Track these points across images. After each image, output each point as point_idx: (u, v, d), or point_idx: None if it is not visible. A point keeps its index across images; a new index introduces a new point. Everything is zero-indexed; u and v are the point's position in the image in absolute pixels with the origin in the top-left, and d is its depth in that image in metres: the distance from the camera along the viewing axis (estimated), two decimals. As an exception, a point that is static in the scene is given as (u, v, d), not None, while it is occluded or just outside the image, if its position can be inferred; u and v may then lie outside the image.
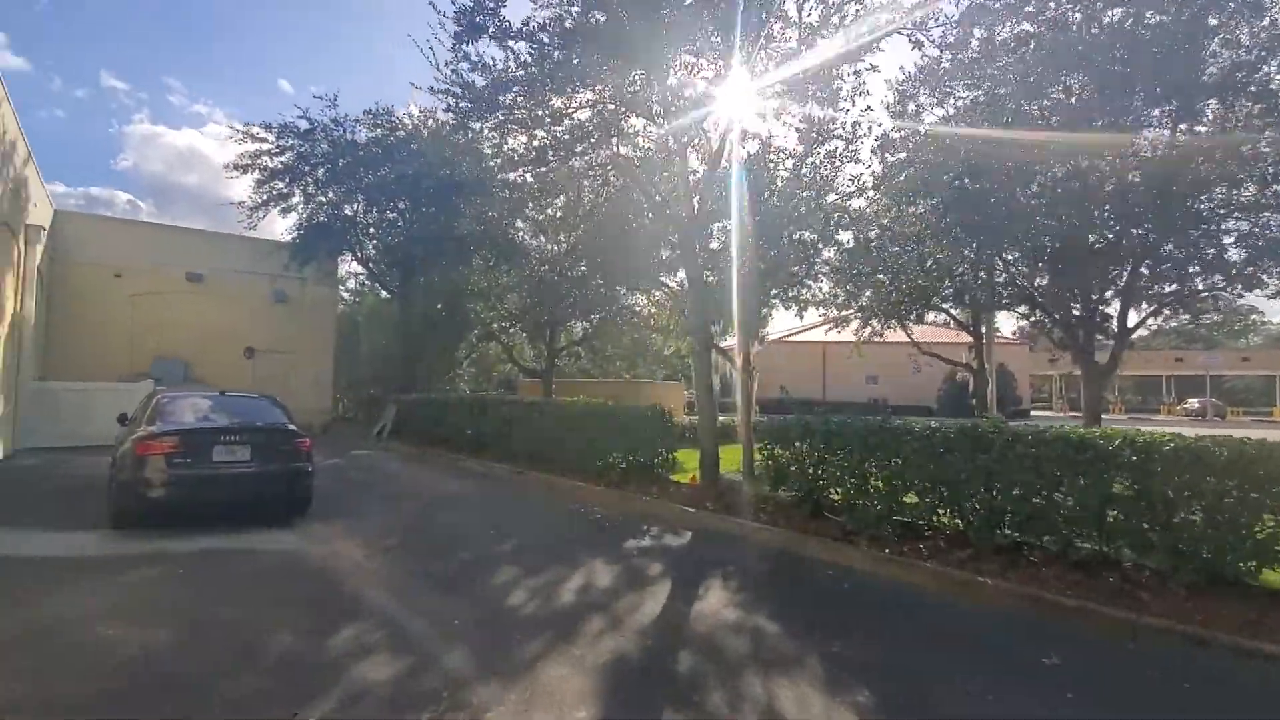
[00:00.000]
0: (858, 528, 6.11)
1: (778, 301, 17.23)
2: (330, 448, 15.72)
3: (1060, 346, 13.13)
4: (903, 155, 10.65)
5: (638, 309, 24.78)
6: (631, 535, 6.88)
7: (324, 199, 18.18)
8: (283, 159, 17.61)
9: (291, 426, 7.57)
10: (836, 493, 6.48)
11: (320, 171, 17.95)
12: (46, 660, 3.55)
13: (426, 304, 21.78)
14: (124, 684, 3.31)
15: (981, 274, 12.93)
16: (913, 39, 8.18)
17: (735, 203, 9.69)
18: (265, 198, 17.77)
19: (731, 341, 21.99)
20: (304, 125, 17.46)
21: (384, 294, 26.24)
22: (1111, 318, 11.74)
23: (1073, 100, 9.48)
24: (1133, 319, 11.54)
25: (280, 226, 23.45)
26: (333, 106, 17.75)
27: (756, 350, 18.48)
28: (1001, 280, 12.67)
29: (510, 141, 9.13)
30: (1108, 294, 11.58)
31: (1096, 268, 10.90)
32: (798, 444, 6.84)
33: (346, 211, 18.72)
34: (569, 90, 8.08)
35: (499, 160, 9.35)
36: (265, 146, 17.50)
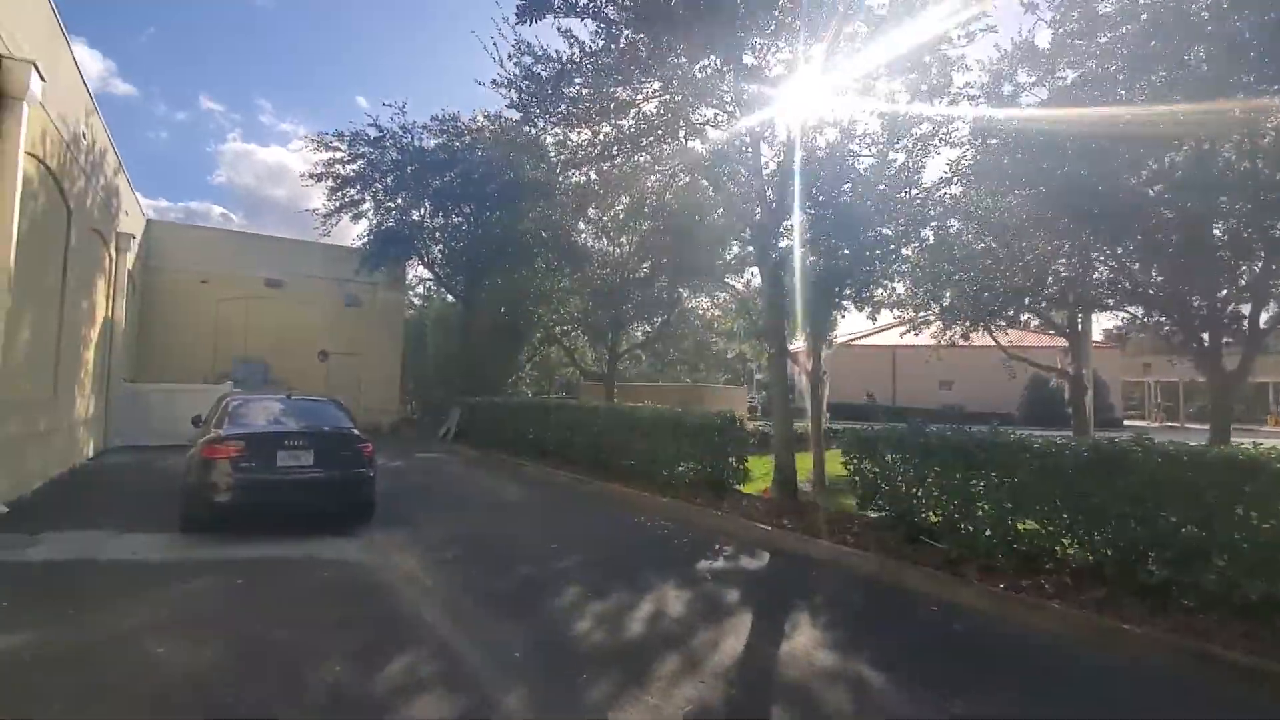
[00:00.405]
0: (964, 556, 5.38)
1: (849, 303, 16.37)
2: (396, 449, 15.87)
3: (1178, 351, 11.75)
4: (996, 141, 9.66)
5: (700, 311, 24.25)
6: (703, 555, 6.36)
7: (392, 205, 18.52)
8: (354, 166, 18.03)
9: (355, 431, 7.43)
10: (936, 514, 5.75)
11: (389, 178, 18.28)
12: (86, 682, 3.34)
13: (490, 308, 21.90)
14: (160, 717, 3.05)
15: (1093, 270, 11.71)
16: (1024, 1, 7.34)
17: (809, 197, 9.04)
18: (338, 205, 18.24)
19: (800, 345, 21.17)
20: (374, 133, 17.81)
21: (450, 298, 26.67)
22: (1242, 317, 10.39)
23: (1193, 74, 8.35)
24: (1263, 319, 10.16)
25: (352, 233, 24.20)
26: (401, 114, 18.15)
27: (825, 354, 17.60)
28: (1109, 277, 11.44)
29: (574, 137, 8.77)
30: (1234, 290, 10.24)
31: (1223, 262, 9.64)
32: (889, 457, 6.14)
33: (414, 217, 19.01)
34: (636, 79, 7.66)
35: (562, 158, 9.00)
36: (338, 155, 17.94)
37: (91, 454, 12.06)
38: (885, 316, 19.87)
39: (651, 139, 8.28)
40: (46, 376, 9.00)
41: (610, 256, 22.26)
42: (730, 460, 8.67)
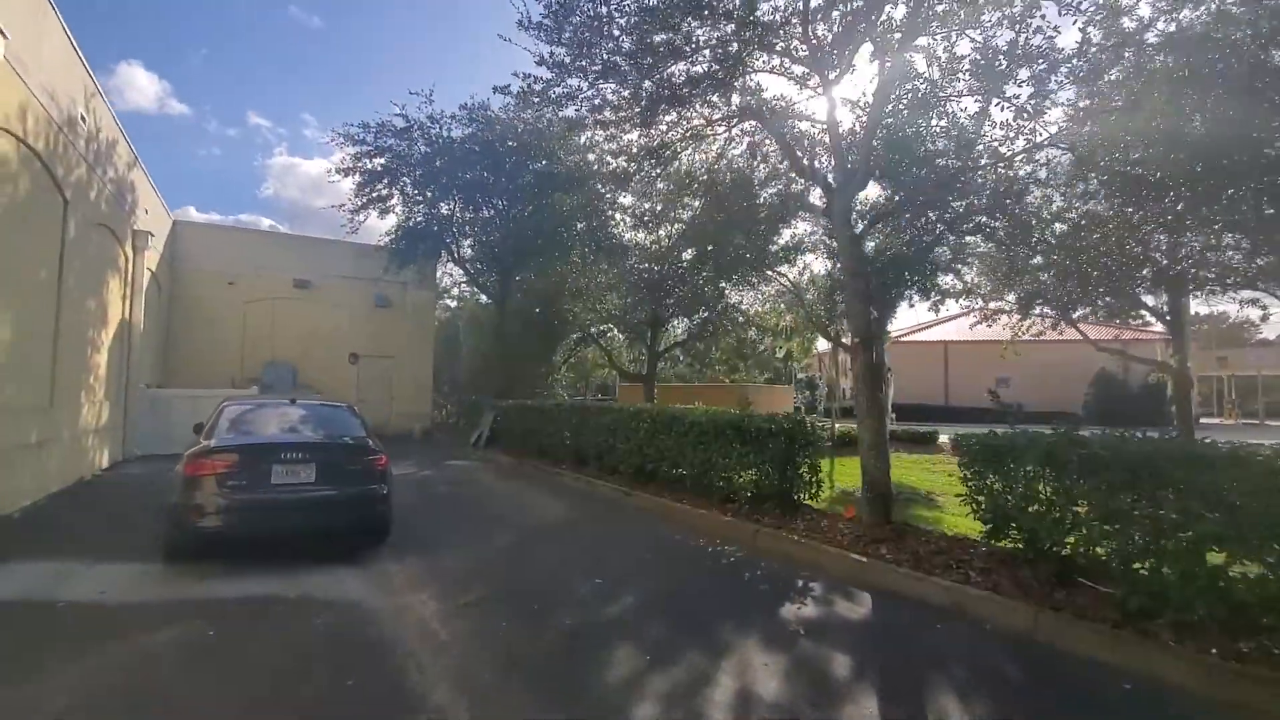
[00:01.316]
0: (1146, 608, 3.98)
1: (914, 291, 14.82)
2: (426, 456, 14.94)
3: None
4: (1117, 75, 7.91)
5: (745, 307, 22.85)
6: (786, 595, 5.08)
7: (421, 199, 17.64)
8: (381, 160, 17.19)
9: (367, 442, 6.37)
10: (1102, 548, 4.36)
11: (418, 171, 17.39)
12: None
13: (524, 306, 20.93)
14: None
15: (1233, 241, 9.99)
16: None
17: (895, 155, 7.67)
18: (365, 200, 17.43)
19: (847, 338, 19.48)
20: (400, 123, 16.94)
21: (483, 299, 25.84)
22: None
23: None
24: None
25: (380, 229, 23.54)
26: (429, 103, 17.14)
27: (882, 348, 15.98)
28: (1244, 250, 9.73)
29: (613, 99, 7.55)
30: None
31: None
32: (1026, 470, 4.76)
33: (443, 211, 18.11)
34: (687, 21, 6.42)
35: (598, 127, 7.79)
36: (365, 148, 17.13)
37: (105, 465, 11.37)
38: (946, 308, 18.23)
39: (705, 90, 7.01)
40: (39, 382, 8.20)
41: (649, 250, 21.11)
42: (802, 471, 7.36)
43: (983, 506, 5.10)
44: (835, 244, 13.86)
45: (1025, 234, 11.61)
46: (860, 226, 7.47)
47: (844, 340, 15.48)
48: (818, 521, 6.88)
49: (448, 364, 27.32)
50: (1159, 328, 15.36)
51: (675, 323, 23.63)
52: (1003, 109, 6.43)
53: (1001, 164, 6.95)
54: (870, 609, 4.76)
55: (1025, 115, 6.61)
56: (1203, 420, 38.37)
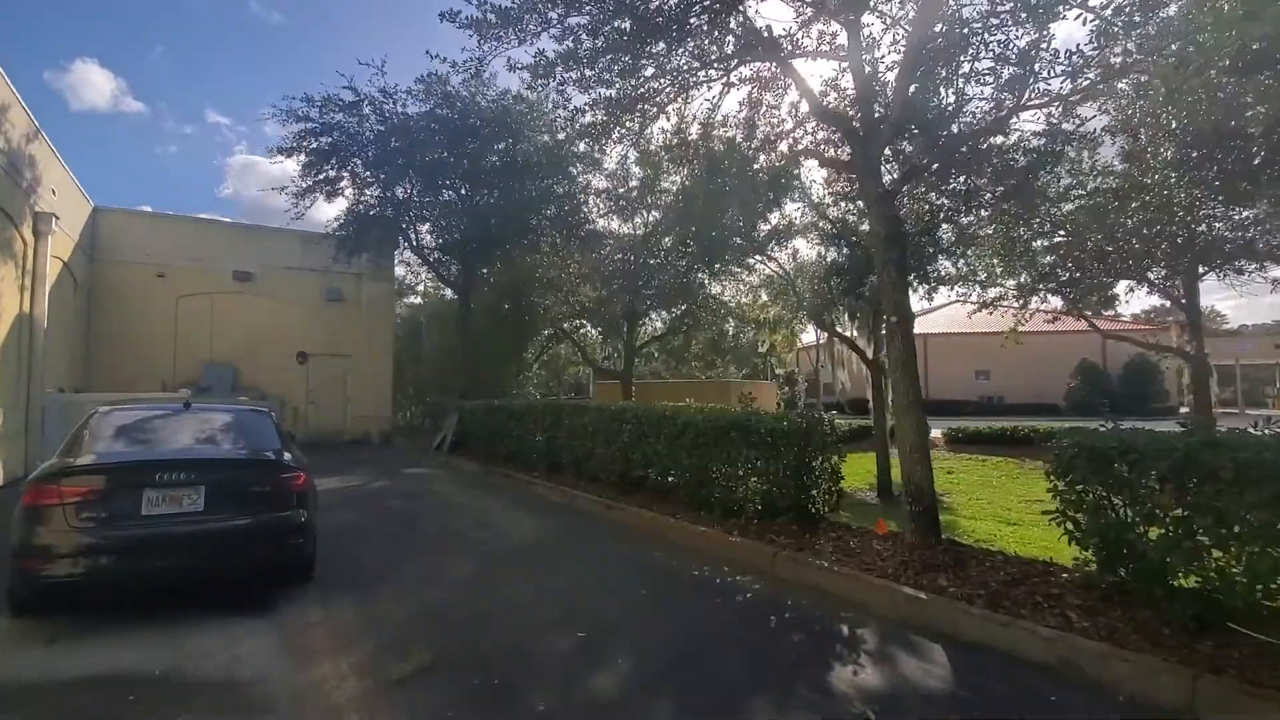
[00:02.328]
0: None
1: (913, 277, 13.79)
2: (382, 464, 13.45)
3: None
4: None
5: (727, 298, 21.73)
6: (832, 650, 3.85)
7: (373, 181, 16.05)
8: (328, 139, 15.57)
9: (282, 457, 4.97)
10: (1267, 585, 3.22)
11: (369, 152, 15.81)
12: None
13: (490, 299, 19.48)
14: None
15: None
16: None
17: (915, 112, 6.50)
18: (311, 182, 15.78)
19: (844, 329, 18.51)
20: (349, 97, 15.34)
21: (447, 292, 24.28)
22: None
23: None
24: None
25: (328, 214, 21.62)
26: (380, 74, 15.63)
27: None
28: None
29: (586, 40, 6.23)
30: None
31: None
32: (1150, 482, 3.61)
33: (398, 195, 16.55)
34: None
35: (570, 68, 6.45)
36: (310, 126, 15.48)
37: (1, 481, 9.68)
38: (940, 296, 17.34)
39: (696, 28, 5.76)
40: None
41: (625, 239, 19.83)
42: (820, 479, 6.17)
43: (1083, 529, 3.93)
44: (836, 219, 12.75)
45: (1032, 210, 10.70)
46: (891, 177, 6.26)
47: (839, 330, 14.42)
48: (844, 540, 5.69)
49: (412, 364, 25.68)
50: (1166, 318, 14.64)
51: (653, 315, 22.44)
52: (1053, 51, 5.27)
53: (1054, 105, 5.81)
54: (950, 669, 3.56)
55: (1079, 58, 5.48)
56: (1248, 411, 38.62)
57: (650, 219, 20.20)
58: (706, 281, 20.51)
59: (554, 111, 14.41)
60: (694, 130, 7.63)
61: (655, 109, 7.14)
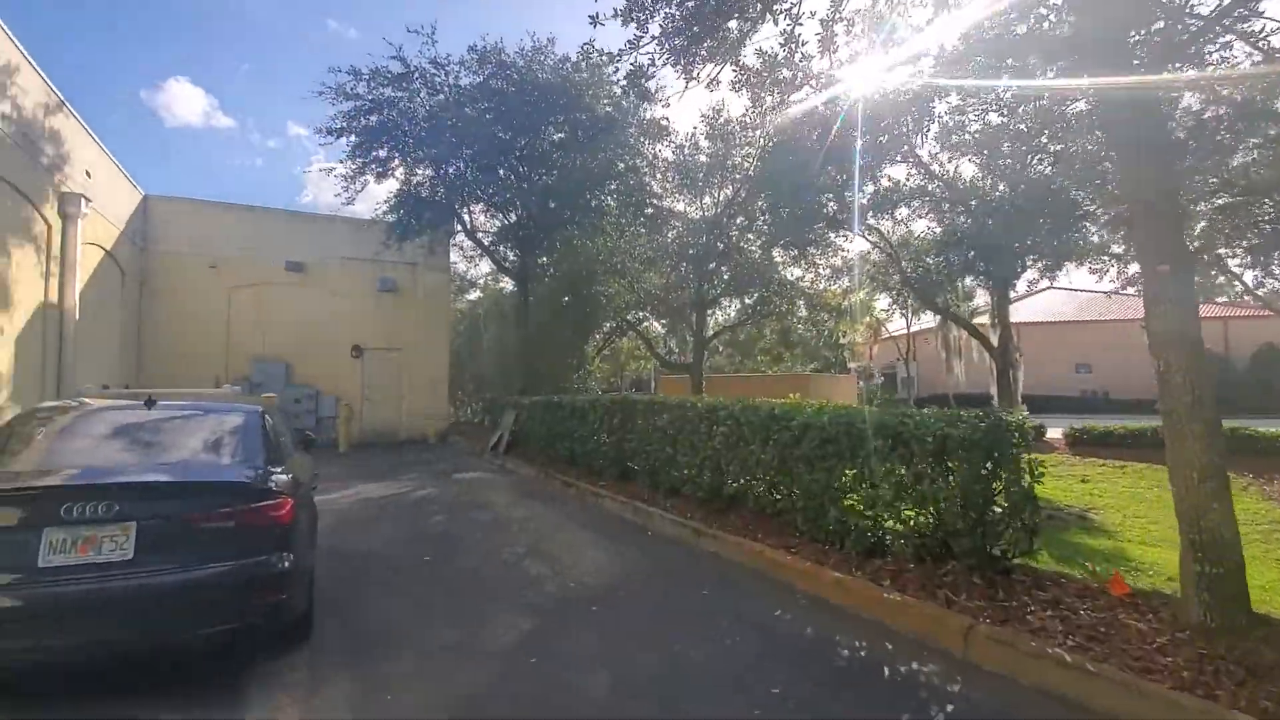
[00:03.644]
0: None
1: (1042, 255, 11.48)
2: (433, 467, 12.23)
3: None
4: None
5: (805, 285, 19.66)
6: None
7: (425, 159, 14.86)
8: (378, 116, 14.47)
9: (255, 477, 3.51)
10: None
11: (421, 128, 14.63)
12: None
13: (550, 288, 18.12)
14: None
15: None
16: None
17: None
18: (361, 163, 14.74)
19: (972, 308, 16.36)
20: (398, 68, 14.19)
21: (506, 285, 23.20)
22: None
23: None
24: None
25: (379, 197, 20.57)
26: (431, 44, 14.37)
27: (986, 323, 12.74)
28: None
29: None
30: None
31: None
32: None
33: (451, 174, 15.32)
34: None
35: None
36: (359, 104, 14.42)
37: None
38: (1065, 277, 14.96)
39: None
40: None
41: (694, 221, 18.12)
42: (1011, 508, 4.31)
43: None
44: (950, 178, 10.62)
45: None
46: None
47: (953, 312, 12.28)
48: (1065, 604, 3.83)
49: (471, 360, 24.75)
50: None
51: (724, 303, 20.61)
52: None
53: None
54: None
55: None
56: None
57: (721, 197, 18.43)
58: (783, 265, 18.59)
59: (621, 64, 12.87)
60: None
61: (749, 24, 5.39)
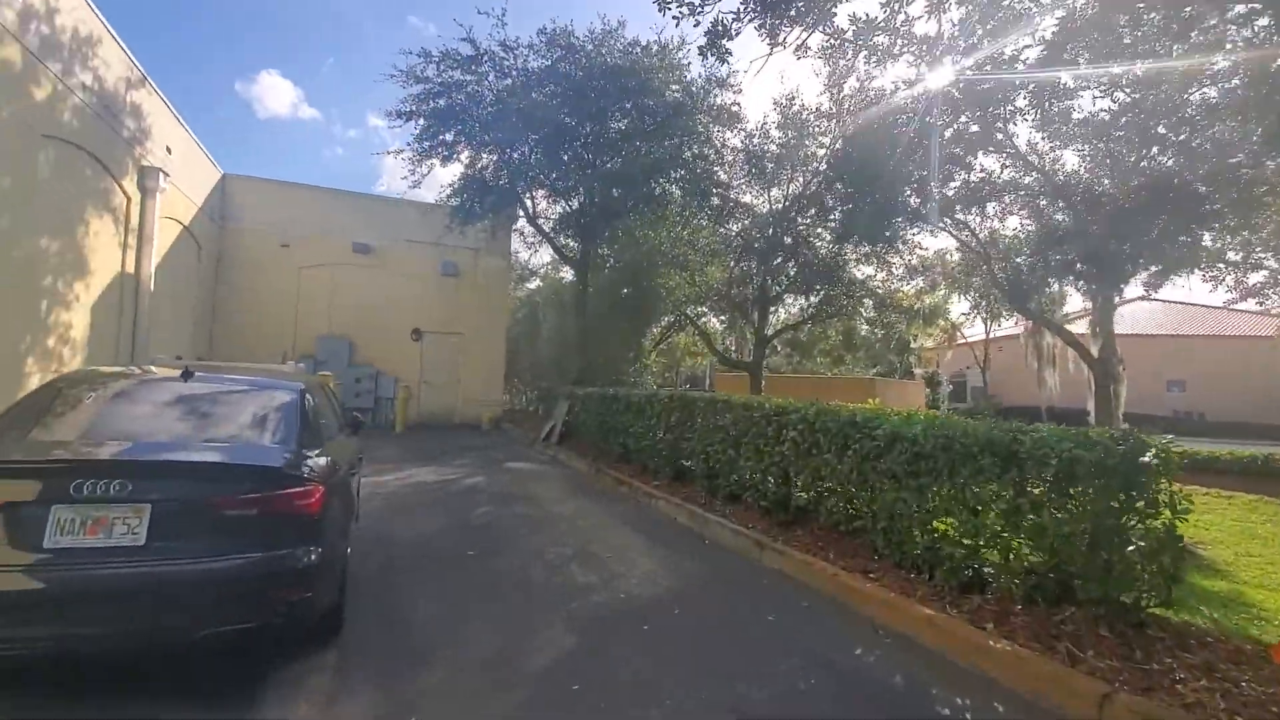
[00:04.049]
0: None
1: (1155, 259, 10.26)
2: (485, 454, 12.07)
3: None
4: None
5: (875, 284, 18.62)
6: None
7: (490, 143, 14.70)
8: (446, 100, 14.39)
9: (286, 461, 3.20)
10: None
11: (488, 112, 14.47)
12: None
13: (610, 279, 17.76)
14: None
15: None
16: None
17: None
18: (429, 146, 14.71)
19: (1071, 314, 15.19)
20: (468, 50, 14.06)
21: (566, 275, 23.01)
22: None
23: None
24: None
25: (443, 181, 20.63)
26: (501, 26, 14.23)
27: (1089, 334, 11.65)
28: None
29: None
30: None
31: None
32: None
33: (515, 159, 15.11)
34: None
35: None
36: (429, 87, 14.38)
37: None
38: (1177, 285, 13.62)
39: None
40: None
41: (761, 214, 17.41)
42: (1155, 554, 3.59)
43: None
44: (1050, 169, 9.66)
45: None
46: None
47: (1048, 318, 11.25)
48: (1219, 669, 3.13)
49: (528, 348, 24.74)
50: None
51: (788, 300, 19.78)
52: None
53: None
54: None
55: None
56: None
57: (791, 189, 17.62)
58: (854, 262, 17.65)
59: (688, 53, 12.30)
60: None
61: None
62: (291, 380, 4.13)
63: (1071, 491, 3.69)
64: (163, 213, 10.92)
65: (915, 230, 13.05)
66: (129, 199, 9.88)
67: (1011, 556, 3.91)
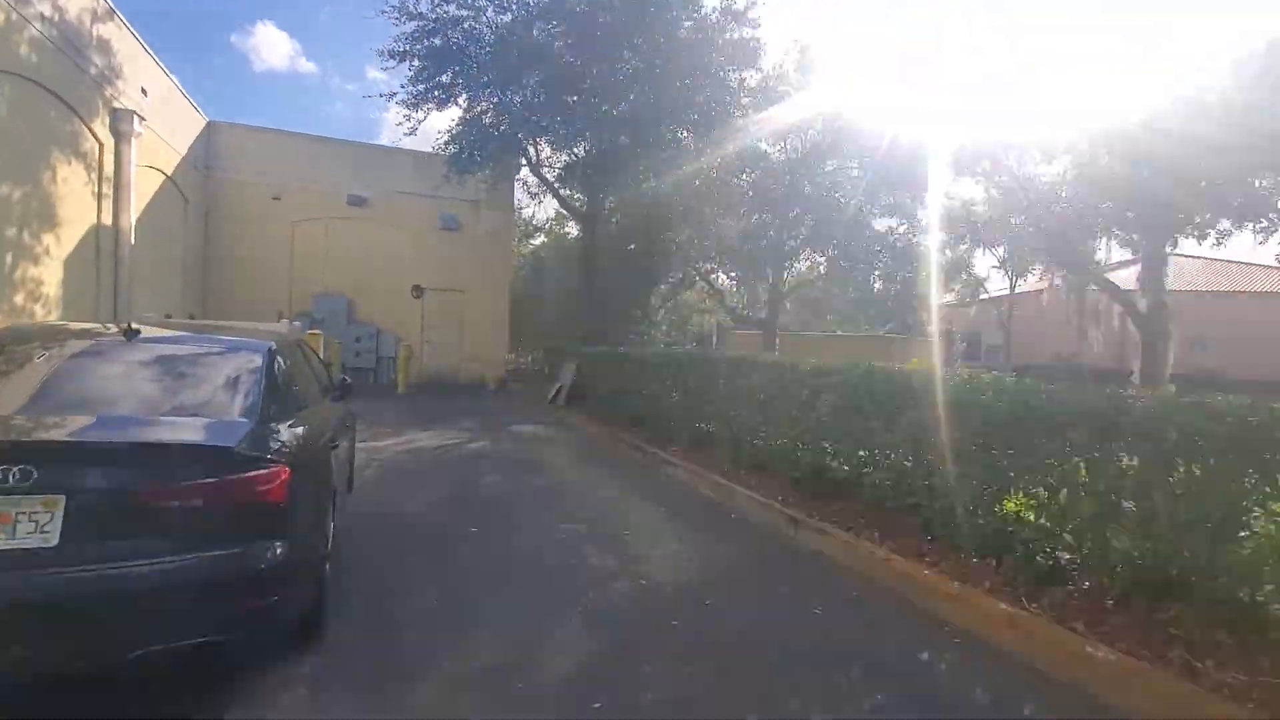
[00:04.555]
0: None
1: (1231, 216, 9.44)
2: (490, 415, 11.57)
3: None
4: None
5: (894, 237, 17.75)
6: None
7: (490, 85, 13.72)
8: (441, 38, 13.36)
9: (241, 438, 2.58)
10: None
11: (485, 51, 13.46)
12: None
13: (617, 233, 16.96)
14: None
15: None
16: None
17: None
18: (424, 89, 13.74)
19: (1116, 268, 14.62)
20: (465, -19, 12.97)
21: (571, 231, 22.14)
22: None
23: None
24: None
25: (440, 127, 19.18)
26: (500, -44, 13.04)
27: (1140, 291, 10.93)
28: None
29: None
30: None
31: None
32: None
33: (517, 102, 14.14)
34: None
35: None
36: (422, 24, 13.34)
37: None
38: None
39: None
40: None
41: (778, 163, 16.50)
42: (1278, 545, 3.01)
43: None
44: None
45: None
46: None
47: (1095, 271, 10.51)
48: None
49: (534, 307, 24.05)
50: None
51: (803, 255, 18.94)
52: None
53: None
54: None
55: None
56: None
57: (809, 138, 16.64)
58: (875, 214, 16.79)
59: None
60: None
61: None
62: (259, 340, 3.52)
63: (1196, 470, 3.09)
64: (141, 160, 10.17)
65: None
66: (101, 144, 9.13)
67: (1113, 543, 3.32)
